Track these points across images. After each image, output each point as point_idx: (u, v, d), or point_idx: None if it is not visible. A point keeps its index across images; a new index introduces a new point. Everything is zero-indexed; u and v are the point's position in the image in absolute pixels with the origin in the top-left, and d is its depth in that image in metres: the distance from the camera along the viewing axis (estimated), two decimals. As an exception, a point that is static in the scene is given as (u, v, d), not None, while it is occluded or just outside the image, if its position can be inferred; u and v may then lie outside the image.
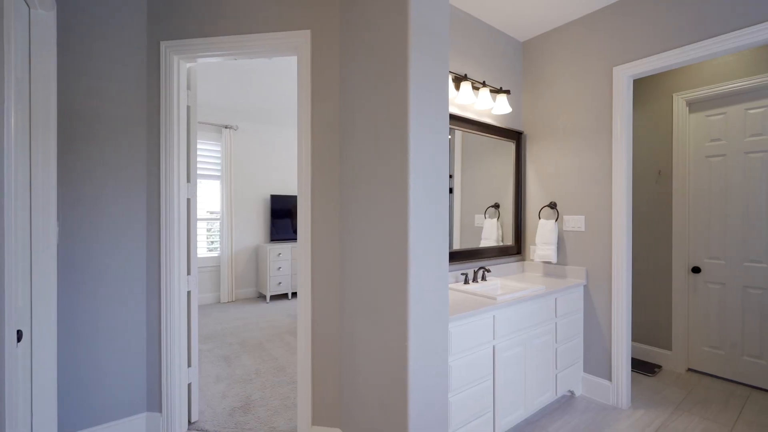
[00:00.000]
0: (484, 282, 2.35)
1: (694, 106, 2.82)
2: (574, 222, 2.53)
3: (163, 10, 1.99)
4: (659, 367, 2.89)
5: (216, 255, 5.16)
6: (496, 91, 2.50)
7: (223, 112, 5.01)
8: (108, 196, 1.90)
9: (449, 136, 2.33)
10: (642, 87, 3.05)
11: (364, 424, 1.68)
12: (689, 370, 2.84)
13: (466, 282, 2.27)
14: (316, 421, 1.92)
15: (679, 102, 2.85)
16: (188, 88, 2.10)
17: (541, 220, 2.64)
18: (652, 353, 2.98)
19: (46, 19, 1.60)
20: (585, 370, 2.47)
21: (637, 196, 3.09)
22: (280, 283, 5.15)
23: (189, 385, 2.10)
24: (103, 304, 1.89)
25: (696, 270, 2.79)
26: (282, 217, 5.47)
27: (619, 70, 2.29)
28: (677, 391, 2.52)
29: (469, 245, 2.49)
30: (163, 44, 1.97)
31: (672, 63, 2.08)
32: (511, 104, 2.76)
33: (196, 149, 2.12)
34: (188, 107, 2.09)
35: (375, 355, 1.60)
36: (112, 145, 1.91)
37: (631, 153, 2.31)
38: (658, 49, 2.13)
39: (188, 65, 2.10)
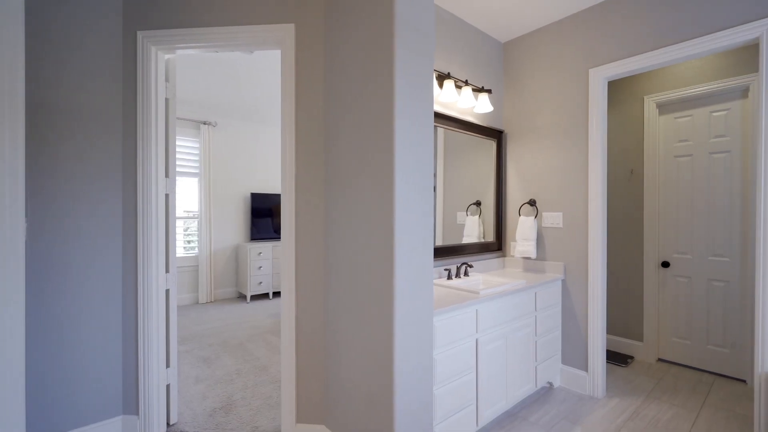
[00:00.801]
0: (466, 277, 2.39)
1: (663, 108, 2.96)
2: (552, 219, 2.61)
3: (140, -1, 1.93)
4: (632, 357, 3.01)
5: (194, 255, 5.02)
6: (478, 90, 2.55)
7: (202, 108, 4.88)
8: (81, 190, 1.82)
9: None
10: (616, 89, 3.18)
11: (350, 419, 1.68)
12: (659, 359, 2.98)
13: (449, 277, 2.30)
14: (300, 418, 1.91)
15: (649, 104, 2.98)
16: (167, 80, 2.04)
17: (521, 217, 2.70)
18: (625, 345, 3.11)
19: (13, 0, 1.52)
20: (563, 362, 2.55)
21: (611, 194, 3.22)
22: (261, 282, 5.07)
23: (168, 387, 2.04)
24: (76, 303, 1.81)
25: (665, 264, 2.92)
26: (263, 215, 5.38)
27: (594, 71, 2.38)
28: (648, 380, 2.64)
29: (452, 242, 2.52)
30: (140, 34, 1.91)
31: (644, 66, 2.17)
32: (492, 103, 2.81)
33: (174, 143, 2.06)
34: (167, 100, 2.03)
35: (361, 350, 1.61)
36: (85, 137, 1.83)
37: (606, 152, 2.40)
38: (631, 52, 2.23)
39: (167, 56, 2.04)
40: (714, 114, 2.72)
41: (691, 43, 1.99)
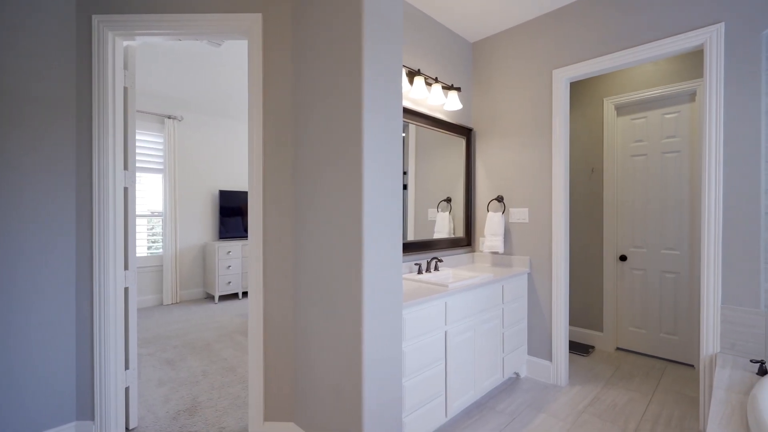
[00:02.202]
0: (436, 272, 2.42)
1: (621, 110, 3.13)
2: (519, 214, 2.70)
3: (96, -19, 1.83)
4: (592, 347, 3.16)
5: (158, 254, 4.81)
6: (447, 87, 2.59)
7: (167, 102, 4.69)
8: (29, 181, 1.70)
9: (404, 134, 2.38)
10: (578, 91, 3.32)
11: (319, 414, 1.66)
12: (618, 348, 3.15)
13: (419, 272, 2.33)
14: (268, 416, 1.87)
15: (608, 106, 3.14)
16: (126, 67, 1.95)
17: (490, 212, 2.78)
18: (586, 335, 3.26)
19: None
20: (529, 353, 2.64)
21: (573, 191, 3.36)
22: (229, 282, 4.93)
23: (127, 389, 1.94)
24: (23, 302, 1.68)
25: (623, 258, 3.09)
26: (232, 213, 5.23)
27: (557, 72, 2.48)
28: (607, 367, 2.78)
29: (423, 237, 2.55)
30: (95, 18, 1.80)
31: (602, 68, 2.28)
32: (462, 101, 2.87)
33: (134, 134, 1.97)
34: (125, 88, 1.94)
35: (330, 345, 1.60)
36: (33, 125, 1.72)
37: (569, 151, 2.51)
38: (591, 55, 2.34)
39: (126, 43, 1.95)
40: (666, 116, 2.90)
41: (644, 47, 2.12)
